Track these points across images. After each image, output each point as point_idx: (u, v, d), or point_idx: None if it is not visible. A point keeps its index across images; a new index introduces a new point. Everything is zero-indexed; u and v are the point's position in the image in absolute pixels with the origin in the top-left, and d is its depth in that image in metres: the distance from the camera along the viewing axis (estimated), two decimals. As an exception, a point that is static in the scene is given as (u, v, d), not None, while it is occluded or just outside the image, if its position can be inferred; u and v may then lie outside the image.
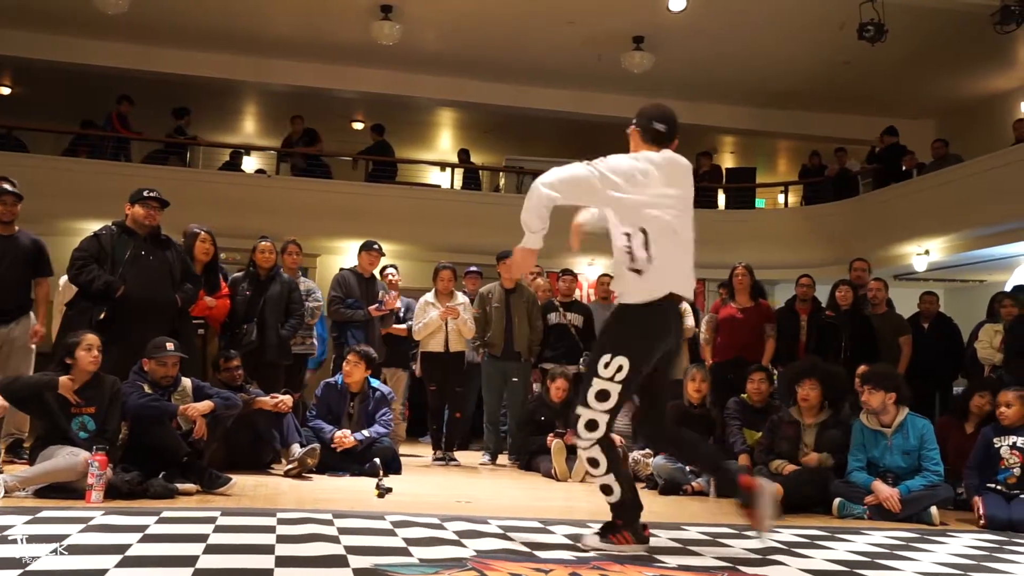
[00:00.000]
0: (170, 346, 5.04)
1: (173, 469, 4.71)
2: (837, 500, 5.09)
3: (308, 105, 13.19)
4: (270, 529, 3.59)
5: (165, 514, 3.89)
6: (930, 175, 11.18)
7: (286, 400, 5.92)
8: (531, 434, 6.93)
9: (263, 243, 6.75)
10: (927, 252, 11.07)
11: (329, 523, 3.80)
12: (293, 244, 7.40)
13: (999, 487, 5.04)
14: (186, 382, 5.22)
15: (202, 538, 3.34)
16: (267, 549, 3.19)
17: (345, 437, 6.07)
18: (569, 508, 4.99)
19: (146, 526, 3.56)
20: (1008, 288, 9.22)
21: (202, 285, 6.10)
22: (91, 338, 4.77)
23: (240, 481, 4.93)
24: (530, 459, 6.92)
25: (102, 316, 5.34)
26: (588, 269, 12.45)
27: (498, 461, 7.39)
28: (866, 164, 12.72)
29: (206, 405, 5.08)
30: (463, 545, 3.48)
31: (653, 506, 5.19)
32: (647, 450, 6.47)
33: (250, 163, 14.40)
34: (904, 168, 11.95)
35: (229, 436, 5.58)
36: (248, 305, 6.55)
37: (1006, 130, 11.28)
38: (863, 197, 12.38)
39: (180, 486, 4.61)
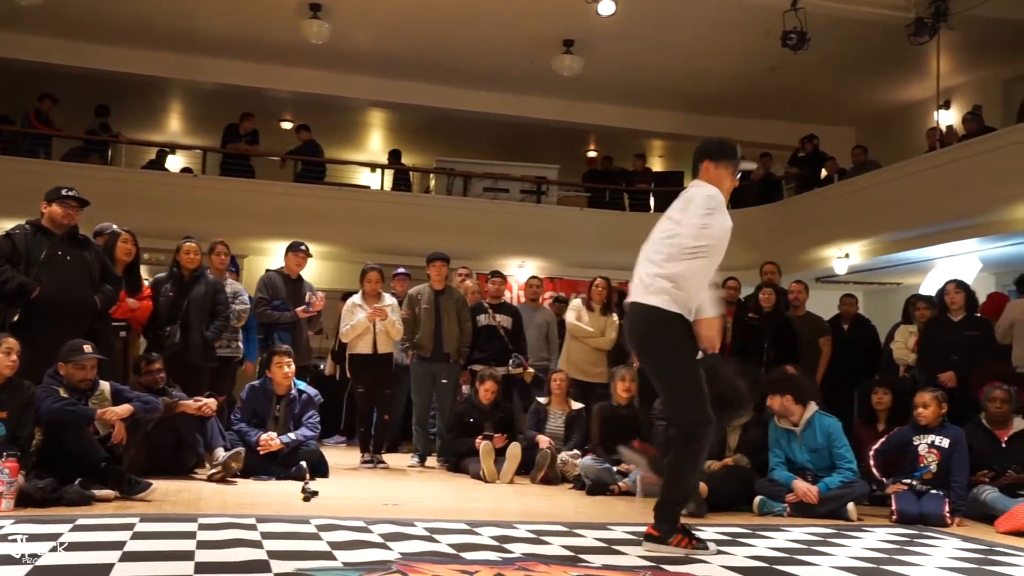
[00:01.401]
0: (87, 348, 4.91)
1: (90, 475, 4.58)
2: (758, 498, 5.21)
3: (236, 104, 12.94)
4: (190, 535, 3.52)
5: (80, 522, 3.79)
6: (849, 181, 11.50)
7: (210, 403, 5.81)
8: (460, 436, 6.94)
9: (187, 243, 6.61)
10: (847, 255, 11.37)
11: (252, 528, 3.75)
12: (221, 245, 7.26)
13: (914, 483, 5.21)
14: (104, 386, 5.09)
15: (118, 545, 3.26)
16: (187, 556, 3.13)
17: (271, 440, 5.99)
18: (497, 510, 5.00)
19: (59, 534, 3.46)
20: (922, 290, 9.52)
21: (123, 286, 5.95)
22: (11, 342, 4.64)
23: (161, 486, 4.82)
24: (459, 461, 6.92)
25: (16, 318, 5.17)
26: (518, 271, 12.49)
27: (427, 463, 7.36)
28: (789, 168, 13.03)
29: (125, 409, 4.96)
30: (388, 548, 3.47)
31: (580, 506, 5.26)
32: (575, 451, 6.53)
33: (175, 162, 14.09)
34: (825, 174, 12.29)
35: (150, 440, 5.45)
36: (171, 307, 6.40)
37: (921, 138, 11.68)
38: (786, 201, 12.68)
39: (97, 493, 4.48)
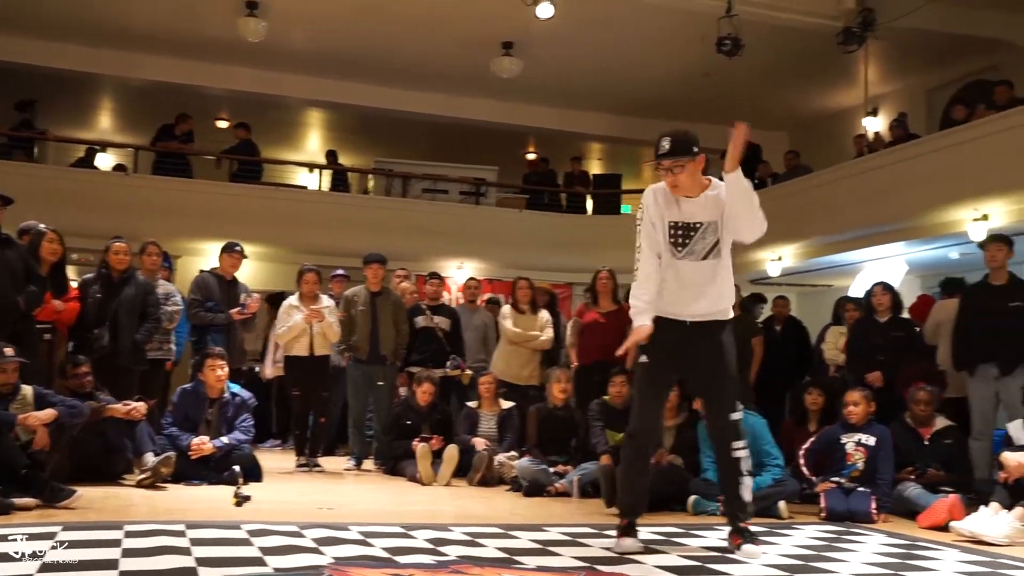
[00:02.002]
0: (8, 351, 4.77)
1: (10, 484, 4.42)
2: (692, 498, 5.27)
3: (170, 101, 12.69)
4: (115, 543, 3.44)
5: (-1, 531, 3.67)
6: (781, 185, 11.74)
7: (139, 407, 5.68)
8: (397, 438, 6.90)
9: (116, 243, 6.45)
10: (780, 258, 11.59)
11: (181, 534, 3.67)
12: (153, 245, 7.12)
13: (843, 481, 5.33)
14: (27, 390, 4.95)
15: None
16: (110, 565, 3.05)
17: (203, 444, 5.88)
18: (433, 512, 4.99)
19: (-24, 544, 3.35)
20: (852, 292, 9.76)
21: (48, 287, 5.79)
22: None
23: (87, 494, 4.69)
24: (396, 464, 6.88)
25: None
26: (457, 273, 12.48)
27: (364, 466, 7.30)
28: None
29: (48, 414, 4.82)
30: (321, 553, 3.43)
31: (517, 508, 5.27)
32: (512, 453, 6.54)
33: (106, 160, 13.76)
34: (759, 177, 12.51)
35: (76, 446, 5.31)
36: (100, 308, 6.25)
37: (850, 144, 11.98)
38: (722, 204, 12.85)
39: (17, 501, 4.32)
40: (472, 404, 7.00)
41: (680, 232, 3.92)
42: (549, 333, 7.53)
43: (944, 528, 4.74)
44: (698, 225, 3.91)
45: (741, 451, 3.96)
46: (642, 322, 3.90)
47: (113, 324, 6.22)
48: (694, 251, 3.92)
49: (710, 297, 3.94)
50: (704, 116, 13.34)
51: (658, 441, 4.07)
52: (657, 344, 3.95)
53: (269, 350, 7.92)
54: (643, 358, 4.01)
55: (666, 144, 3.88)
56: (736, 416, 3.96)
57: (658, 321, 3.94)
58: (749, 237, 3.94)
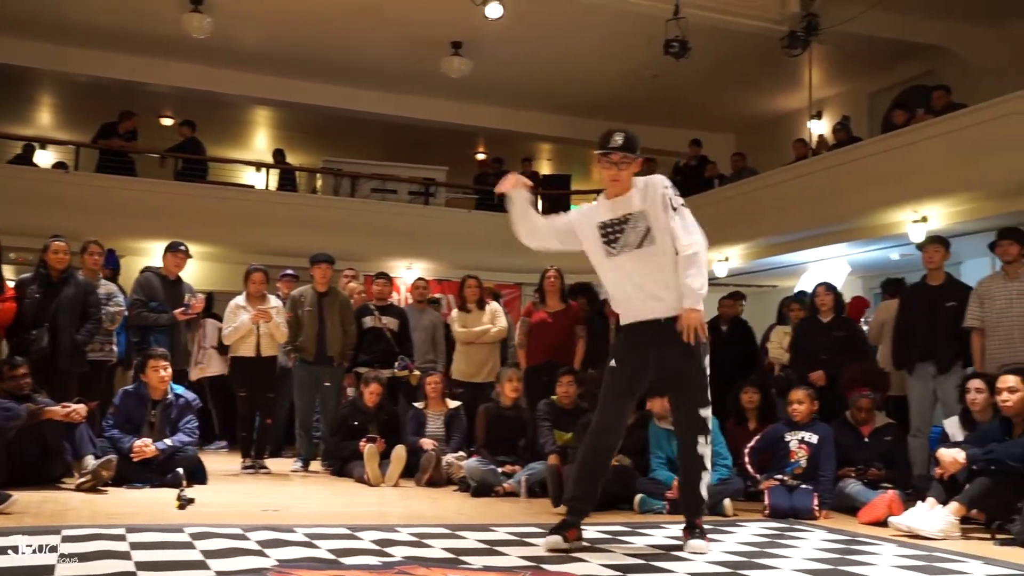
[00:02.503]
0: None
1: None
2: (639, 497, 5.32)
3: (113, 98, 12.44)
4: (51, 548, 3.36)
5: (-69, 537, 3.57)
6: (728, 186, 11.89)
7: (79, 409, 5.55)
8: (344, 439, 6.85)
9: (55, 243, 6.32)
10: (727, 259, 11.74)
11: (121, 538, 3.60)
12: (94, 244, 6.99)
13: (786, 479, 5.42)
14: (-39, 393, 4.81)
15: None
16: (45, 571, 2.98)
17: (145, 447, 5.77)
18: (380, 513, 4.97)
19: (-95, 552, 3.26)
20: (795, 292, 9.91)
21: (-18, 287, 5.65)
22: None
23: (23, 498, 4.57)
24: (343, 465, 6.83)
25: None
26: (406, 273, 12.43)
27: (311, 468, 7.24)
28: (673, 175, 13.37)
29: (-16, 417, 4.70)
30: (265, 555, 3.40)
31: (464, 508, 5.26)
32: (461, 453, 6.53)
33: (45, 157, 13.44)
34: (706, 177, 12.65)
35: (12, 450, 5.18)
36: (38, 309, 6.12)
37: (794, 146, 12.16)
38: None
39: (-50, 506, 4.23)
40: (419, 405, 6.98)
41: (609, 230, 3.99)
42: (501, 323, 7.53)
43: (883, 523, 4.85)
44: (627, 217, 3.96)
45: (706, 447, 3.99)
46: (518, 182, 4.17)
47: (52, 325, 6.09)
48: (628, 243, 3.96)
49: (670, 289, 3.92)
50: (653, 117, 13.53)
51: (617, 443, 4.03)
52: (627, 349, 4.01)
53: (193, 351, 7.80)
54: (612, 363, 4.05)
55: (619, 139, 3.98)
56: (706, 412, 3.99)
57: (627, 328, 4.01)
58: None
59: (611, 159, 3.97)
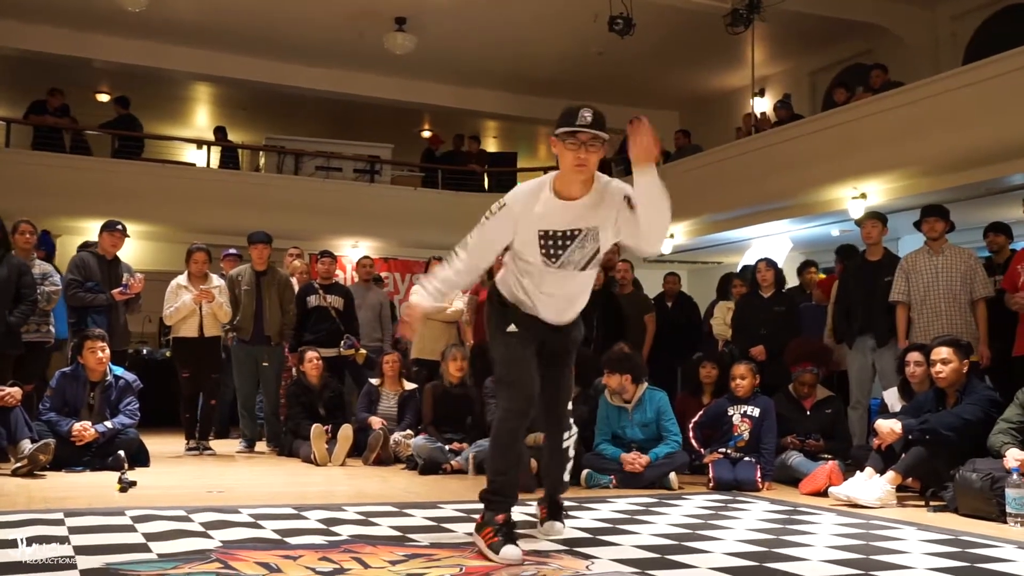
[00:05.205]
0: None
1: None
2: (585, 471, 5.36)
3: (46, 73, 12.08)
4: (-13, 534, 3.28)
5: None
6: (671, 164, 11.95)
7: (13, 393, 5.42)
8: (293, 417, 6.79)
9: (-15, 223, 6.13)
10: (672, 236, 11.82)
11: (59, 523, 3.53)
12: (25, 224, 6.78)
13: (729, 452, 5.52)
14: None
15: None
16: (-21, 557, 2.91)
17: (85, 430, 5.66)
18: (327, 493, 4.94)
19: None
20: (739, 269, 10.05)
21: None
22: None
23: (-43, 484, 4.48)
24: (291, 444, 6.77)
25: None
26: (351, 251, 12.31)
27: (256, 448, 7.17)
28: (617, 154, 13.41)
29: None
30: (209, 536, 3.35)
31: (412, 486, 5.26)
32: (408, 431, 6.52)
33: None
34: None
35: (-55, 435, 5.05)
36: (-32, 291, 5.93)
37: (738, 124, 12.29)
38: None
39: None
40: (375, 381, 6.94)
41: (551, 243, 3.35)
42: (458, 304, 7.51)
43: (824, 493, 4.96)
44: (575, 233, 3.33)
45: (569, 441, 3.89)
46: (419, 301, 3.48)
47: (-15, 307, 5.92)
48: (571, 261, 3.37)
49: (577, 305, 3.59)
50: (598, 95, 13.46)
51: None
52: (521, 323, 3.54)
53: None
54: (511, 328, 3.50)
55: (588, 115, 3.30)
56: (569, 407, 3.88)
57: (518, 312, 3.53)
58: (654, 248, 3.37)
59: (579, 138, 3.28)
